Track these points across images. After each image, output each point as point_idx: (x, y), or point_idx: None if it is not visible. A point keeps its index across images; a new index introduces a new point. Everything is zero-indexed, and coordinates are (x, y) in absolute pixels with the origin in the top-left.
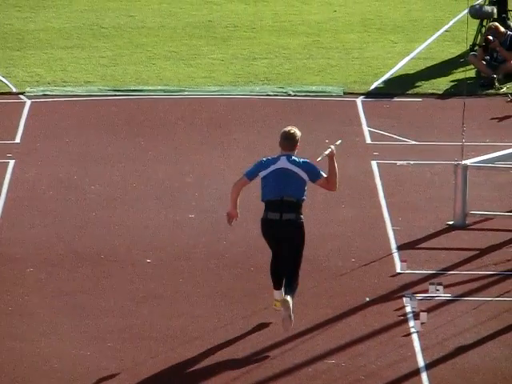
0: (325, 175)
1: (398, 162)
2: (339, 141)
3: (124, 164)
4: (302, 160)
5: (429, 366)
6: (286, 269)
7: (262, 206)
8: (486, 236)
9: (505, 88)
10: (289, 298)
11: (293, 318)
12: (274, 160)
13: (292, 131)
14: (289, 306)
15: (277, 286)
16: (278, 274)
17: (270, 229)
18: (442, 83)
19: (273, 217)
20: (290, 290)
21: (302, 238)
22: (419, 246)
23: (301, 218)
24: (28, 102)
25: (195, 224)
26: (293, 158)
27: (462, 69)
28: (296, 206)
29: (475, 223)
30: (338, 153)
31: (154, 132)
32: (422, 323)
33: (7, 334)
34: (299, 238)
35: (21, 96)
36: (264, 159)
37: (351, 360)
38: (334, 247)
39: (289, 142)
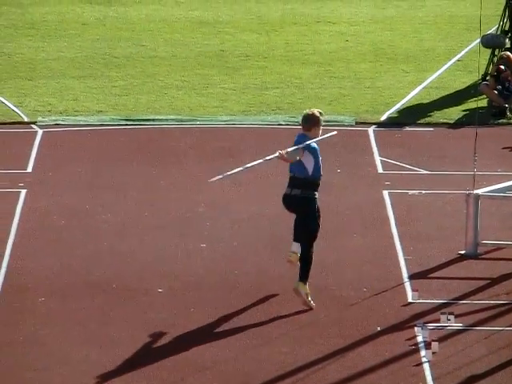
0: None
1: (410, 192)
2: (334, 132)
3: (136, 193)
4: (304, 140)
5: None
6: (298, 235)
7: (275, 235)
8: (498, 265)
9: None
10: (300, 286)
11: (311, 304)
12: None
13: (308, 113)
14: (300, 294)
15: (294, 238)
16: (294, 229)
17: (283, 201)
18: (454, 113)
19: (286, 191)
20: (301, 272)
21: (306, 211)
22: (431, 275)
23: (307, 194)
24: (40, 132)
25: (207, 253)
26: (300, 137)
27: (473, 98)
28: (303, 183)
29: (487, 253)
30: (350, 181)
31: (165, 161)
32: (433, 353)
33: (18, 364)
34: (303, 211)
35: (32, 125)
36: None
37: None
38: (346, 276)
39: (303, 122)
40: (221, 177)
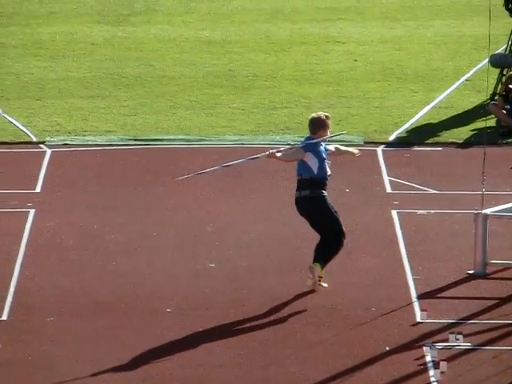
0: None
1: (419, 211)
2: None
3: (144, 213)
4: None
5: None
6: (317, 255)
7: (283, 254)
8: (507, 285)
9: None
10: (315, 265)
11: (319, 284)
12: None
13: (314, 116)
14: (313, 272)
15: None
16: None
17: (296, 205)
18: (463, 132)
19: (296, 195)
20: (317, 256)
21: (320, 210)
22: (439, 295)
23: (316, 193)
24: (48, 152)
25: (215, 273)
26: (306, 140)
27: (482, 118)
28: (310, 184)
29: (495, 272)
30: (359, 201)
31: (174, 181)
32: (442, 372)
33: None
34: (316, 211)
35: (41, 145)
36: None
37: None
38: (355, 296)
39: (310, 126)
40: (191, 175)
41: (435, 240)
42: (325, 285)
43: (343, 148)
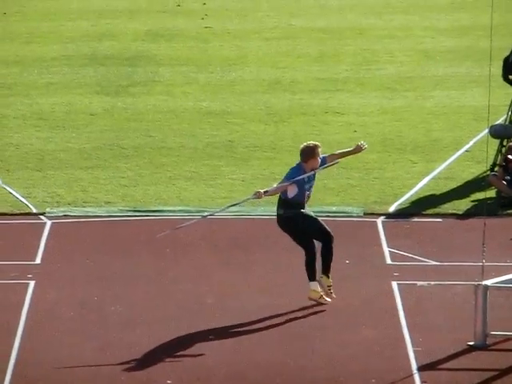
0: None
1: (419, 283)
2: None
3: (144, 284)
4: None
5: None
6: (309, 275)
7: (284, 326)
8: (507, 357)
9: None
10: (323, 278)
11: (331, 293)
12: None
13: (304, 145)
14: (322, 286)
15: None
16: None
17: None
18: (463, 203)
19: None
20: (323, 267)
21: (295, 224)
22: (440, 366)
23: (289, 214)
24: (48, 223)
25: (216, 345)
26: (296, 168)
27: (482, 189)
28: (285, 203)
29: (496, 344)
30: (359, 272)
31: (174, 252)
32: None
33: None
34: (293, 227)
35: (41, 216)
36: None
37: None
38: (355, 367)
39: (300, 155)
40: (168, 232)
41: (435, 311)
42: (334, 296)
43: (339, 151)
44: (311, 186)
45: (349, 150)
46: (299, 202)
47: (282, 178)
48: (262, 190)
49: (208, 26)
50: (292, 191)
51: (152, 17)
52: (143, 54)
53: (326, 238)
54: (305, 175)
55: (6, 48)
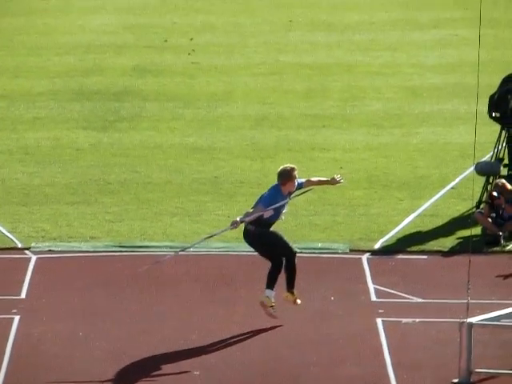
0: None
1: (404, 320)
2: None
3: (129, 320)
4: (268, 191)
5: None
6: (269, 281)
7: (269, 360)
8: None
9: (510, 246)
10: (289, 295)
11: (294, 300)
12: None
13: (282, 169)
14: (293, 301)
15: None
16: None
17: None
18: (448, 240)
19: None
20: (289, 282)
21: (262, 239)
22: None
23: (259, 231)
24: (33, 258)
25: (200, 382)
26: (273, 190)
27: (467, 226)
28: (257, 221)
29: (480, 381)
30: (344, 309)
31: (159, 288)
32: None
33: None
34: (261, 242)
35: (26, 251)
36: None
37: None
38: None
39: (278, 178)
40: (149, 266)
41: (420, 349)
42: (298, 301)
43: (315, 179)
44: (285, 206)
45: (326, 179)
46: (272, 222)
47: (258, 199)
48: (238, 219)
49: (195, 61)
50: (268, 213)
51: (139, 52)
52: (130, 89)
53: (290, 254)
54: (283, 202)
55: None
